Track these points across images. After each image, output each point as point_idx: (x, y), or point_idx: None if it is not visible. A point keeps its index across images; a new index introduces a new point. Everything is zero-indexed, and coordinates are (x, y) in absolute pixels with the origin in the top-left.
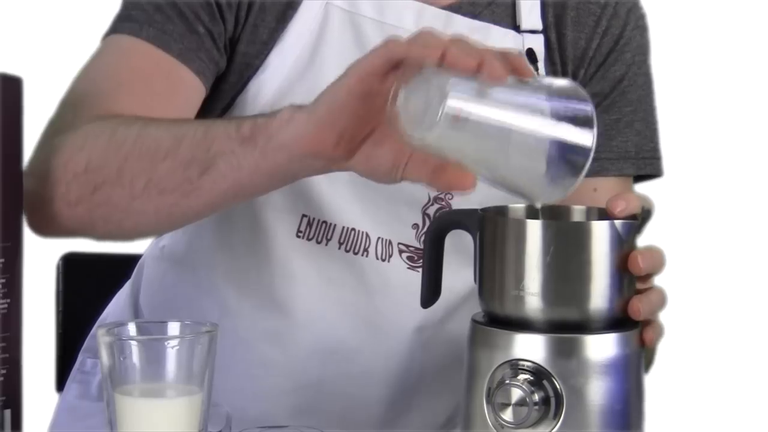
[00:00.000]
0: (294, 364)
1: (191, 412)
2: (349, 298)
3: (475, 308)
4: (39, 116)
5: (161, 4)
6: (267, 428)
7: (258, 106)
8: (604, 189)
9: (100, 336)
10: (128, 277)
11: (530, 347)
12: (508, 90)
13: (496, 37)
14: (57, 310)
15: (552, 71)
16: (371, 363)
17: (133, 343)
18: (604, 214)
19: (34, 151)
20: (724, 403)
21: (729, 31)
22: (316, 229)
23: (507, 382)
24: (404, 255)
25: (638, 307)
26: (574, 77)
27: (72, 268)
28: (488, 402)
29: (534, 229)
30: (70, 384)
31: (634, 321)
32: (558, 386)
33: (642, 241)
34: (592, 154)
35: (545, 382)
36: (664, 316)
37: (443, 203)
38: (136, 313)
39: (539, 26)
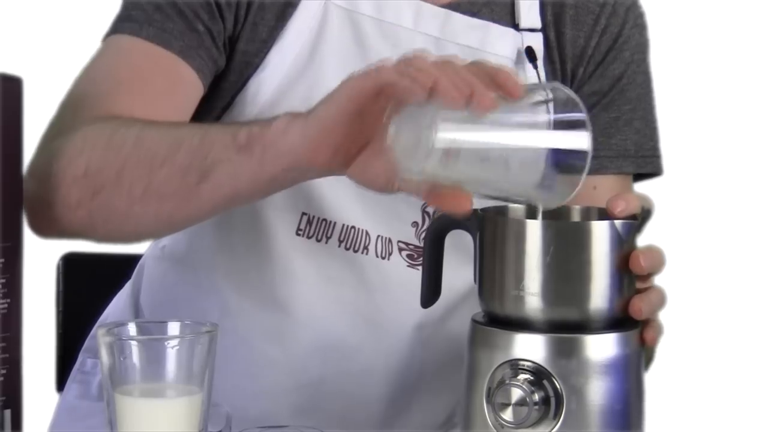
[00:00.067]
0: (294, 363)
1: (191, 412)
2: (349, 296)
3: (475, 306)
4: (39, 116)
5: (161, 4)
6: (267, 428)
7: (258, 104)
8: (604, 187)
9: (100, 336)
10: (128, 278)
11: (530, 347)
12: (498, 112)
13: (494, 35)
14: (57, 310)
15: (551, 69)
16: (371, 361)
17: (133, 343)
18: (604, 214)
19: (34, 154)
20: (724, 403)
21: (728, 29)
22: (316, 227)
23: (507, 382)
24: (404, 253)
25: (639, 307)
26: (573, 75)
27: (72, 268)
28: (488, 402)
29: (534, 229)
30: (71, 384)
31: (634, 321)
32: (558, 386)
33: (642, 240)
34: (590, 157)
35: (545, 382)
36: (663, 316)
37: None
38: (136, 313)
39: (538, 24)
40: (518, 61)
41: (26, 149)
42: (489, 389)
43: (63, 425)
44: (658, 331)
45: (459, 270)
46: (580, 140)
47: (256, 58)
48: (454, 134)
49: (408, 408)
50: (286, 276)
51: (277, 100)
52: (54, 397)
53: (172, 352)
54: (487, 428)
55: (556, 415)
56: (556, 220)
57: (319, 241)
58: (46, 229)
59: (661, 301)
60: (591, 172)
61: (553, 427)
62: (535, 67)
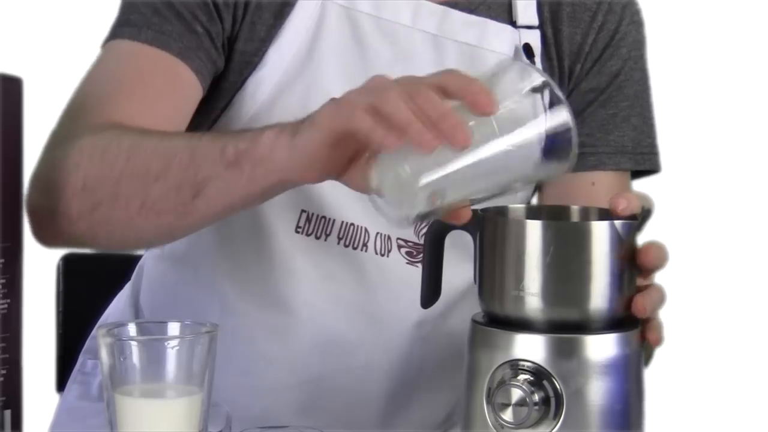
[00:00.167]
0: (294, 360)
1: (191, 413)
2: (349, 292)
3: (474, 303)
4: (39, 116)
5: (159, 7)
6: (267, 428)
7: (256, 103)
8: (602, 183)
9: (100, 336)
10: (128, 278)
11: (530, 347)
12: (475, 130)
13: (492, 32)
14: (57, 310)
15: (548, 66)
16: (371, 357)
17: (134, 343)
18: (604, 214)
19: (37, 163)
20: (724, 403)
21: (726, 27)
22: (315, 224)
23: (507, 382)
24: (403, 250)
25: (643, 305)
26: (571, 72)
27: (72, 268)
28: (488, 402)
29: (534, 229)
30: (71, 385)
31: (634, 321)
32: (558, 386)
33: (640, 239)
34: (573, 126)
35: (545, 383)
36: (663, 315)
37: None
38: (136, 314)
39: (535, 22)
40: (516, 58)
41: (26, 150)
42: (489, 389)
43: (63, 426)
44: (660, 330)
45: (458, 267)
46: (560, 116)
47: (254, 57)
48: (437, 175)
49: (408, 405)
50: (285, 274)
51: (275, 98)
52: (54, 397)
53: (172, 352)
54: (487, 428)
55: (556, 415)
56: (556, 220)
57: (318, 238)
58: (50, 238)
59: (661, 299)
60: (589, 168)
61: (553, 428)
62: (533, 63)
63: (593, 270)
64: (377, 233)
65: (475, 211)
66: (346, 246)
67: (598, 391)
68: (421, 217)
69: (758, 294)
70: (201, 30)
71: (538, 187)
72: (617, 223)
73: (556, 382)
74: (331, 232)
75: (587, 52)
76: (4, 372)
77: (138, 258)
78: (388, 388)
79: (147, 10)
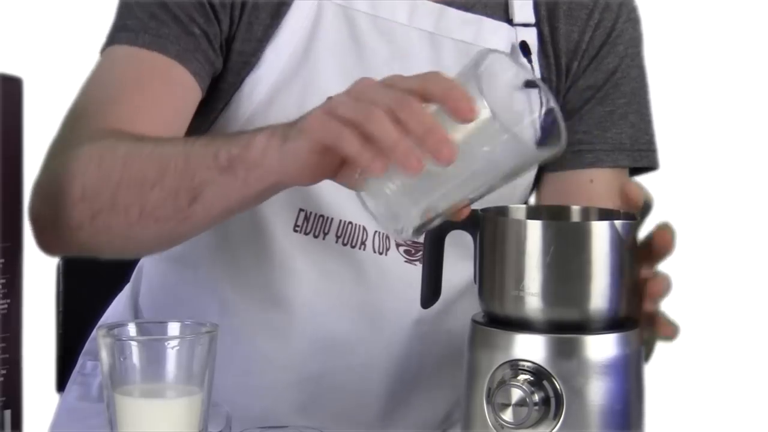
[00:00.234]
0: (294, 358)
1: (191, 413)
2: (348, 291)
3: (474, 301)
4: (39, 116)
5: (155, 11)
6: (267, 428)
7: (253, 102)
8: (601, 180)
9: (100, 336)
10: (128, 278)
11: (530, 347)
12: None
13: (489, 30)
14: (57, 310)
15: (545, 64)
16: (370, 356)
17: (134, 343)
18: (604, 214)
19: (38, 172)
20: (724, 403)
21: (723, 24)
22: (313, 223)
23: (507, 382)
24: (401, 248)
25: (659, 290)
26: (568, 70)
27: (72, 268)
28: (488, 402)
29: (534, 229)
30: (71, 386)
31: (634, 321)
32: (558, 386)
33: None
34: (556, 106)
35: (545, 383)
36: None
37: None
38: (136, 315)
39: (532, 20)
40: (512, 55)
41: (26, 150)
42: (489, 389)
43: (63, 426)
44: (670, 321)
45: (457, 265)
46: (539, 99)
47: (252, 57)
48: (425, 193)
49: (408, 403)
50: (284, 272)
51: (272, 98)
52: (54, 397)
53: (172, 352)
54: (487, 428)
55: (556, 415)
56: (556, 220)
57: (316, 237)
58: (53, 247)
59: (669, 286)
60: (588, 166)
61: (553, 428)
62: (530, 61)
63: (593, 270)
64: (375, 232)
65: (475, 211)
66: (345, 245)
67: (598, 391)
68: (418, 230)
69: (758, 294)
70: (198, 32)
71: (537, 185)
72: (617, 223)
73: (556, 382)
74: (329, 230)
75: (584, 49)
76: (4, 372)
77: (137, 259)
78: (387, 386)
79: (144, 14)
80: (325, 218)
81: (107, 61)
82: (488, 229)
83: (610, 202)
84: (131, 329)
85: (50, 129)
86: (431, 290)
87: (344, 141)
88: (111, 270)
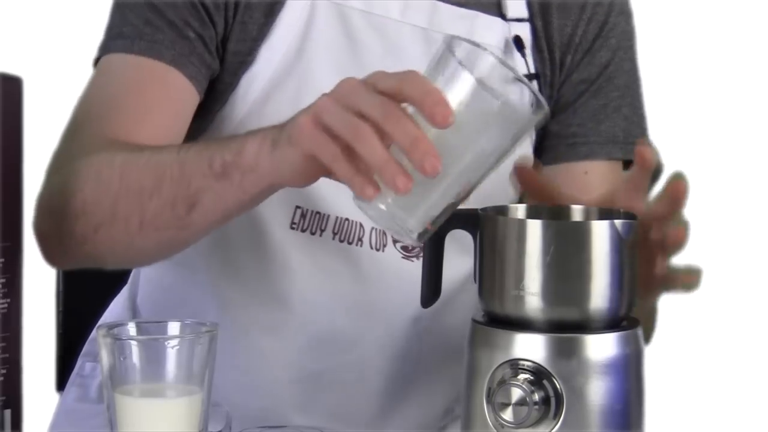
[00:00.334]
0: (292, 356)
1: (191, 412)
2: (345, 288)
3: (472, 297)
4: (39, 116)
5: (149, 17)
6: (267, 428)
7: (249, 101)
8: (595, 173)
9: (100, 336)
10: (128, 277)
11: (530, 347)
12: (446, 144)
13: (482, 25)
14: (57, 310)
15: (539, 58)
16: (369, 352)
17: (133, 343)
18: (604, 214)
19: (41, 187)
20: (724, 403)
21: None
22: (309, 220)
23: (507, 381)
24: (398, 245)
25: (679, 236)
26: (562, 64)
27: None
28: (488, 402)
29: (534, 229)
30: (69, 388)
31: (634, 321)
32: (558, 386)
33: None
34: (526, 81)
35: (545, 382)
36: (663, 315)
37: None
38: (134, 315)
39: (525, 14)
40: (506, 50)
41: (26, 150)
42: (489, 389)
43: (62, 428)
44: (687, 269)
45: (454, 261)
46: (513, 69)
47: (248, 57)
48: (419, 204)
49: (406, 399)
50: (281, 270)
51: (267, 95)
52: (54, 397)
53: (172, 352)
54: (487, 428)
55: (556, 415)
56: (556, 219)
57: (313, 234)
58: (60, 260)
59: (687, 233)
60: (582, 158)
61: (553, 427)
62: (524, 55)
63: (593, 269)
64: (372, 228)
65: (475, 211)
66: (341, 241)
67: (598, 391)
68: (422, 235)
69: (758, 294)
70: (193, 35)
71: None
72: (617, 222)
73: (556, 382)
74: (326, 227)
75: (577, 43)
76: (4, 372)
77: None
78: (386, 382)
79: (138, 20)
80: (322, 215)
81: (103, 71)
82: (488, 228)
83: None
84: (131, 329)
85: (50, 129)
86: (431, 290)
87: (335, 164)
88: (111, 270)
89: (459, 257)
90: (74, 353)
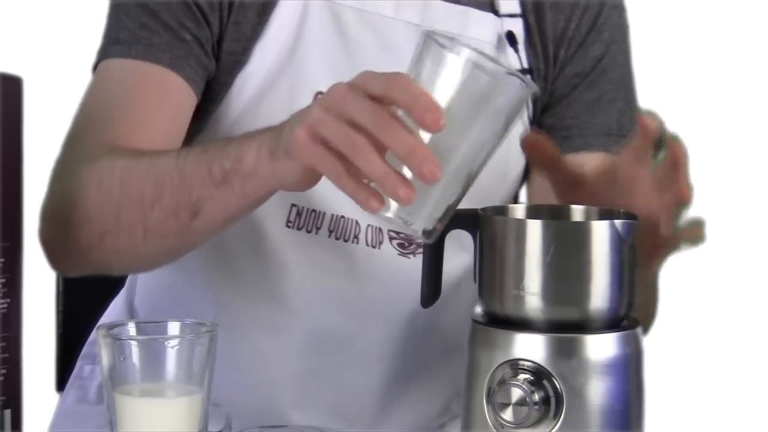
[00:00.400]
0: (290, 354)
1: (191, 412)
2: (342, 285)
3: (469, 294)
4: (39, 116)
5: (145, 21)
6: (267, 428)
7: (243, 100)
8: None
9: (100, 336)
10: (127, 277)
11: (530, 347)
12: (445, 145)
13: (474, 21)
14: (57, 310)
15: (533, 53)
16: (366, 349)
17: (133, 342)
18: (604, 214)
19: (45, 196)
20: (724, 403)
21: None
22: (305, 218)
23: (507, 381)
24: (395, 242)
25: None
26: (555, 57)
27: None
28: (488, 402)
29: (534, 229)
30: (68, 390)
31: (634, 321)
32: (558, 386)
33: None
34: (503, 64)
35: (545, 382)
36: (663, 315)
37: None
38: (132, 317)
39: (517, 10)
40: (499, 46)
41: (26, 149)
42: (489, 389)
43: (62, 428)
44: (694, 221)
45: (452, 259)
46: (496, 69)
47: (242, 56)
48: (423, 206)
49: (405, 396)
50: (278, 268)
51: (262, 93)
52: (54, 397)
53: (172, 351)
54: (487, 428)
55: (556, 415)
56: (556, 219)
57: (309, 232)
58: (66, 268)
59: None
60: (577, 150)
61: (553, 427)
62: (516, 51)
63: (593, 269)
64: (368, 225)
65: (475, 211)
66: (338, 239)
67: (598, 391)
68: (431, 233)
69: (758, 294)
70: (190, 37)
71: (525, 178)
72: (617, 222)
73: (556, 382)
74: (321, 225)
75: (570, 36)
76: (4, 372)
77: None
78: (384, 379)
79: (134, 25)
80: (318, 213)
81: (101, 77)
82: (488, 228)
83: None
84: (131, 329)
85: (50, 129)
86: (432, 290)
87: (338, 179)
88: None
89: (456, 254)
90: (74, 353)
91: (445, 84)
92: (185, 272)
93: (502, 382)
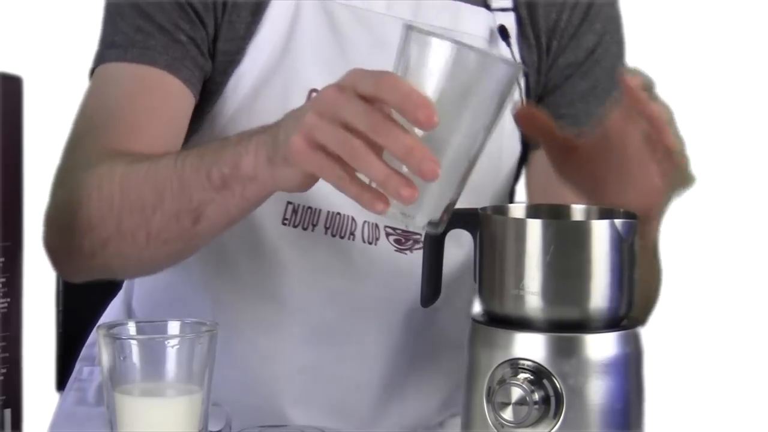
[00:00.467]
0: (288, 351)
1: (191, 412)
2: (339, 282)
3: (467, 290)
4: (39, 116)
5: (140, 24)
6: (267, 428)
7: (237, 98)
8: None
9: (100, 335)
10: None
11: (530, 346)
12: (442, 138)
13: (466, 16)
14: (57, 310)
15: (525, 45)
16: (364, 346)
17: (133, 342)
18: (604, 214)
19: (47, 203)
20: (724, 403)
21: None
22: (301, 215)
23: (507, 381)
24: (391, 238)
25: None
26: (548, 48)
27: None
28: (488, 401)
29: (534, 229)
30: (67, 392)
31: (634, 320)
32: (558, 385)
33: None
34: (483, 47)
35: (545, 382)
36: (663, 315)
37: None
38: (130, 318)
39: (509, 4)
40: (491, 40)
41: (26, 149)
42: (489, 388)
43: (61, 428)
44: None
45: (448, 255)
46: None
47: (236, 55)
48: (426, 200)
49: (402, 392)
50: (275, 266)
51: (257, 91)
52: (54, 397)
53: (172, 351)
54: (487, 428)
55: (556, 414)
56: (556, 219)
57: (305, 229)
58: (71, 274)
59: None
60: None
61: (553, 427)
62: (509, 45)
63: (593, 269)
64: (364, 222)
65: (475, 211)
66: (334, 236)
67: (598, 391)
68: (438, 224)
69: (758, 294)
70: (185, 39)
71: (520, 171)
72: (617, 222)
73: (556, 381)
74: (317, 222)
75: (563, 28)
76: (4, 372)
77: None
78: (382, 376)
79: (129, 28)
80: (313, 210)
81: (99, 82)
82: (488, 228)
83: None
84: (131, 328)
85: (50, 129)
86: (432, 289)
87: (341, 185)
88: None
89: (452, 251)
90: (74, 353)
91: (432, 73)
92: (182, 272)
93: (502, 382)
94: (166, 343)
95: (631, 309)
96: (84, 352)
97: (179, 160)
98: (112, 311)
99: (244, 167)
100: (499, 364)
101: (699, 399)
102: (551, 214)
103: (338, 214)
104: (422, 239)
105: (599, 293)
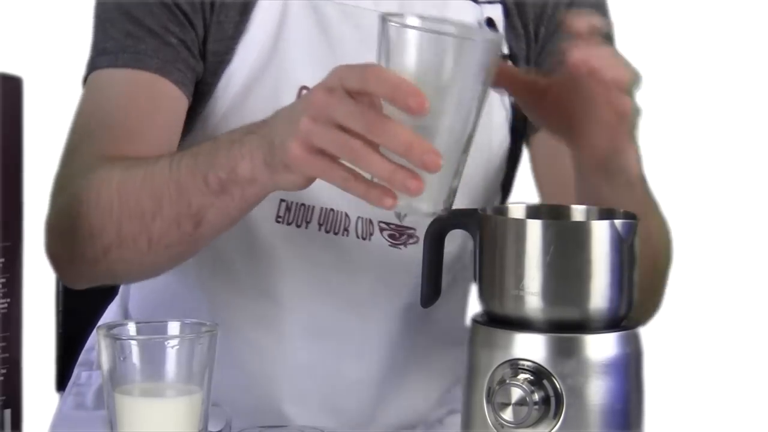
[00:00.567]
0: (285, 349)
1: (191, 412)
2: (333, 278)
3: (461, 285)
4: (39, 116)
5: (130, 29)
6: (267, 428)
7: (228, 97)
8: None
9: (100, 336)
10: None
11: (530, 347)
12: (433, 125)
13: (453, 9)
14: (57, 310)
15: (514, 36)
16: (360, 342)
17: (133, 342)
18: (604, 214)
19: (48, 210)
20: (724, 403)
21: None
22: (295, 212)
23: (507, 381)
24: (385, 233)
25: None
26: (536, 35)
27: None
28: (488, 401)
29: (534, 229)
30: (66, 397)
31: (634, 321)
32: (558, 386)
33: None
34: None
35: (545, 382)
36: (663, 315)
37: None
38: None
39: None
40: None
41: (26, 149)
42: (489, 389)
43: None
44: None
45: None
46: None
47: (226, 55)
48: (435, 189)
49: (399, 389)
50: (269, 264)
51: (247, 90)
52: (54, 397)
53: (172, 351)
54: (487, 428)
55: (556, 414)
56: (556, 219)
57: (299, 226)
58: (75, 281)
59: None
60: None
61: (553, 427)
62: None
63: (593, 269)
64: (358, 217)
65: (474, 211)
66: (327, 232)
67: (598, 391)
68: (445, 209)
69: (758, 294)
70: (175, 41)
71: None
72: (617, 222)
73: (556, 382)
74: (311, 219)
75: (549, 15)
76: (4, 372)
77: None
78: (378, 372)
79: (119, 34)
80: (307, 207)
81: (92, 89)
82: (488, 228)
83: None
84: (131, 329)
85: (50, 129)
86: (432, 289)
87: (347, 186)
88: None
89: (449, 244)
90: (74, 353)
91: (412, 61)
92: (178, 272)
93: (502, 382)
94: (166, 343)
95: (631, 309)
96: (82, 356)
97: (174, 163)
98: (110, 314)
99: (241, 172)
100: (499, 365)
101: (699, 399)
102: (551, 214)
103: (332, 210)
104: (417, 234)
105: (599, 294)
